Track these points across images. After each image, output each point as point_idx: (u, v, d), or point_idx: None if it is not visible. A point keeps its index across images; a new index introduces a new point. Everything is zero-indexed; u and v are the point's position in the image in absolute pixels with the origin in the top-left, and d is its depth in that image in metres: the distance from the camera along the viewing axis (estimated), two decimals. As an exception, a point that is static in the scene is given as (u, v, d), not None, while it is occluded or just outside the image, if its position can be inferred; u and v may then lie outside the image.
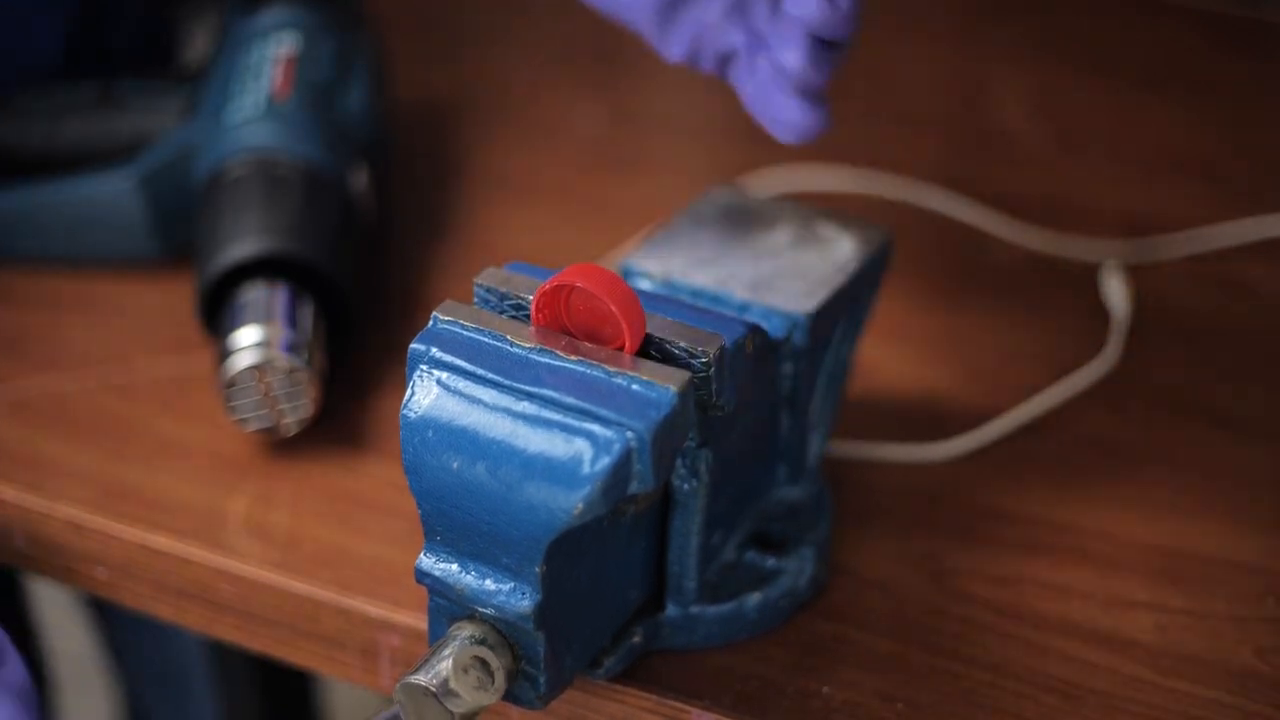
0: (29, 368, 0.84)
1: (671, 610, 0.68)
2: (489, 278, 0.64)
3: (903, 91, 1.08)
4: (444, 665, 0.60)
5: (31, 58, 0.95)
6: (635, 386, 0.60)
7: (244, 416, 0.77)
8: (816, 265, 0.72)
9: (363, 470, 0.78)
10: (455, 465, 0.60)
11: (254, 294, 0.80)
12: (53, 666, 1.24)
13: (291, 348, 0.77)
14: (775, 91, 0.71)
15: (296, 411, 0.78)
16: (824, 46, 0.71)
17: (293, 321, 0.79)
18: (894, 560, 0.74)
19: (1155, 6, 1.14)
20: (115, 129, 0.90)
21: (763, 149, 1.01)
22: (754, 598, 0.69)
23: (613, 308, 0.61)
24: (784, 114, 0.71)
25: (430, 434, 0.60)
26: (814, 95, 0.71)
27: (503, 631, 0.61)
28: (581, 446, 0.58)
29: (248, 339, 0.77)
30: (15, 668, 0.66)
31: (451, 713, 0.60)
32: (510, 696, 0.62)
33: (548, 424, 0.59)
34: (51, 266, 0.89)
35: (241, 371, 0.77)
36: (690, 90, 1.09)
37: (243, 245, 0.81)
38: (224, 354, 0.78)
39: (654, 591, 0.68)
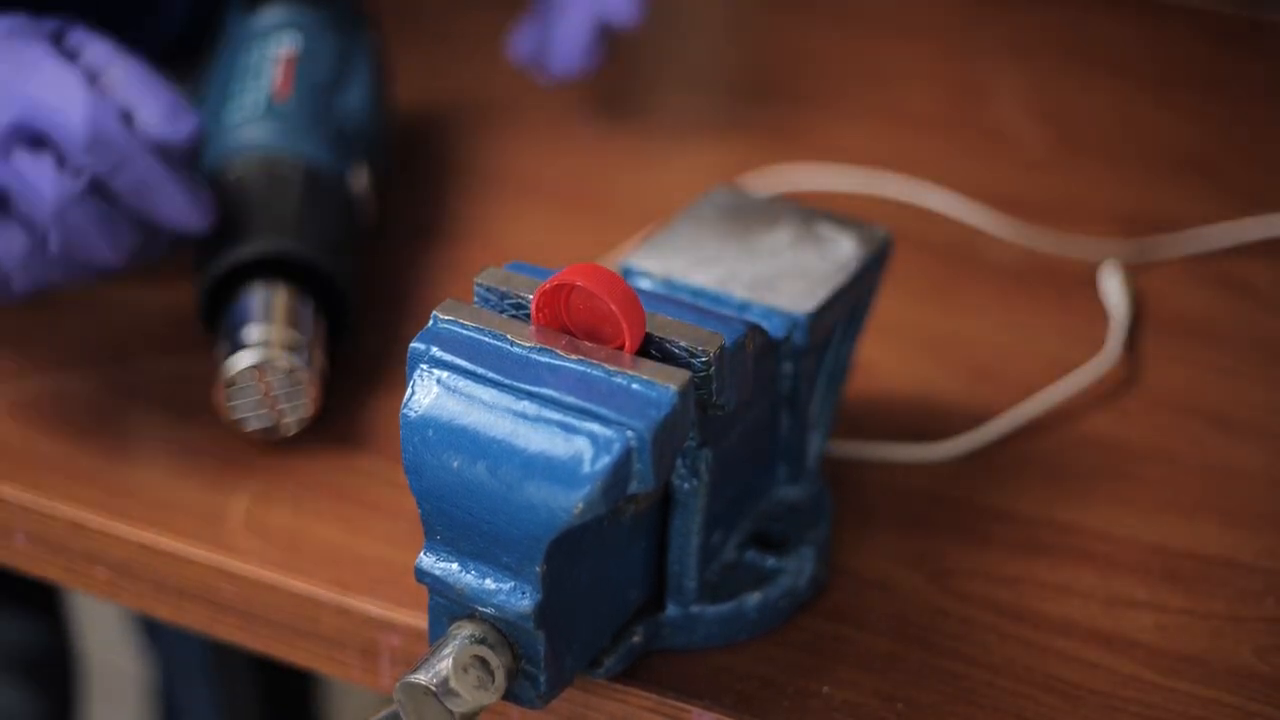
0: (29, 368, 0.84)
1: (671, 610, 0.68)
2: (489, 277, 0.64)
3: (903, 91, 1.08)
4: (444, 664, 0.60)
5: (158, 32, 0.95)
6: (635, 386, 0.60)
7: (244, 416, 0.77)
8: (816, 265, 0.72)
9: (363, 470, 0.78)
10: (455, 465, 0.60)
11: (254, 294, 0.80)
12: (89, 672, 1.24)
13: (291, 347, 0.77)
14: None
15: (296, 411, 0.78)
16: None
17: (293, 321, 0.79)
18: (894, 560, 0.74)
19: (1156, 6, 1.14)
20: None
21: (763, 149, 1.01)
22: (754, 598, 0.69)
23: (613, 307, 0.61)
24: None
25: (430, 433, 0.60)
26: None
27: (503, 631, 0.61)
28: (582, 446, 0.58)
29: (248, 339, 0.77)
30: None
31: (452, 712, 0.60)
32: (510, 696, 0.62)
33: (548, 423, 0.59)
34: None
35: (241, 371, 0.77)
36: (690, 90, 1.09)
37: (243, 245, 0.81)
38: (224, 353, 0.78)
39: (654, 591, 0.68)
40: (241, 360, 0.77)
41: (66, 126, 0.74)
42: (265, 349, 0.77)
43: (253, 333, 0.77)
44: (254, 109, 0.87)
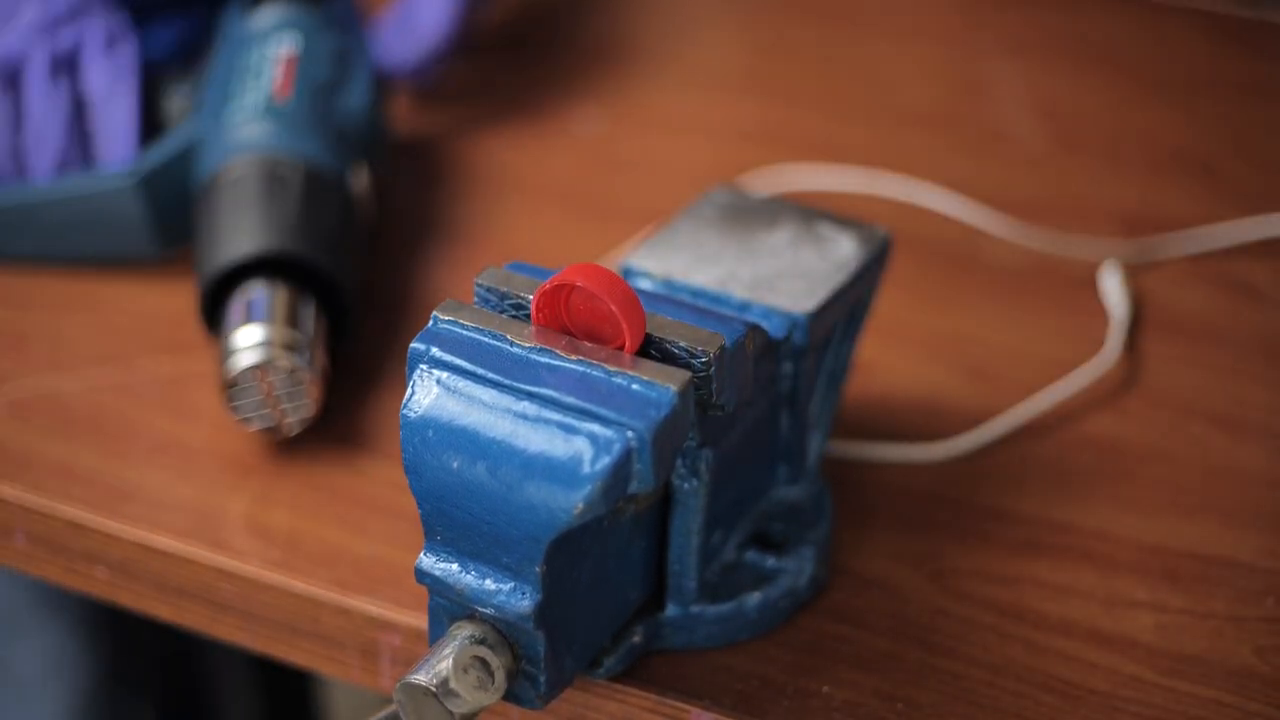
0: (29, 368, 0.84)
1: (671, 610, 0.68)
2: (489, 278, 0.64)
3: (903, 91, 1.08)
4: (444, 665, 0.60)
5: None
6: (635, 386, 0.60)
7: (246, 416, 0.77)
8: (816, 265, 0.72)
9: (363, 470, 0.78)
10: (455, 465, 0.60)
11: (255, 293, 0.80)
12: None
13: (292, 347, 0.77)
14: None
15: (298, 411, 0.78)
16: None
17: (294, 321, 0.79)
18: (894, 560, 0.74)
19: (1155, 6, 1.14)
20: None
21: (763, 149, 1.01)
22: (754, 598, 0.69)
23: (613, 307, 0.61)
24: None
25: (430, 434, 0.60)
26: None
27: (503, 631, 0.61)
28: (581, 446, 0.58)
29: (249, 339, 0.77)
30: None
31: (452, 713, 0.60)
32: (510, 696, 0.62)
33: (548, 424, 0.59)
34: (51, 266, 0.89)
35: (243, 371, 0.77)
36: (690, 90, 1.09)
37: (243, 244, 0.81)
38: (225, 353, 0.78)
39: (654, 591, 0.68)
40: (243, 360, 0.77)
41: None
42: (266, 349, 0.77)
43: (254, 333, 0.77)
44: (254, 109, 0.87)
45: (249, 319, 0.78)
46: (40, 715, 1.09)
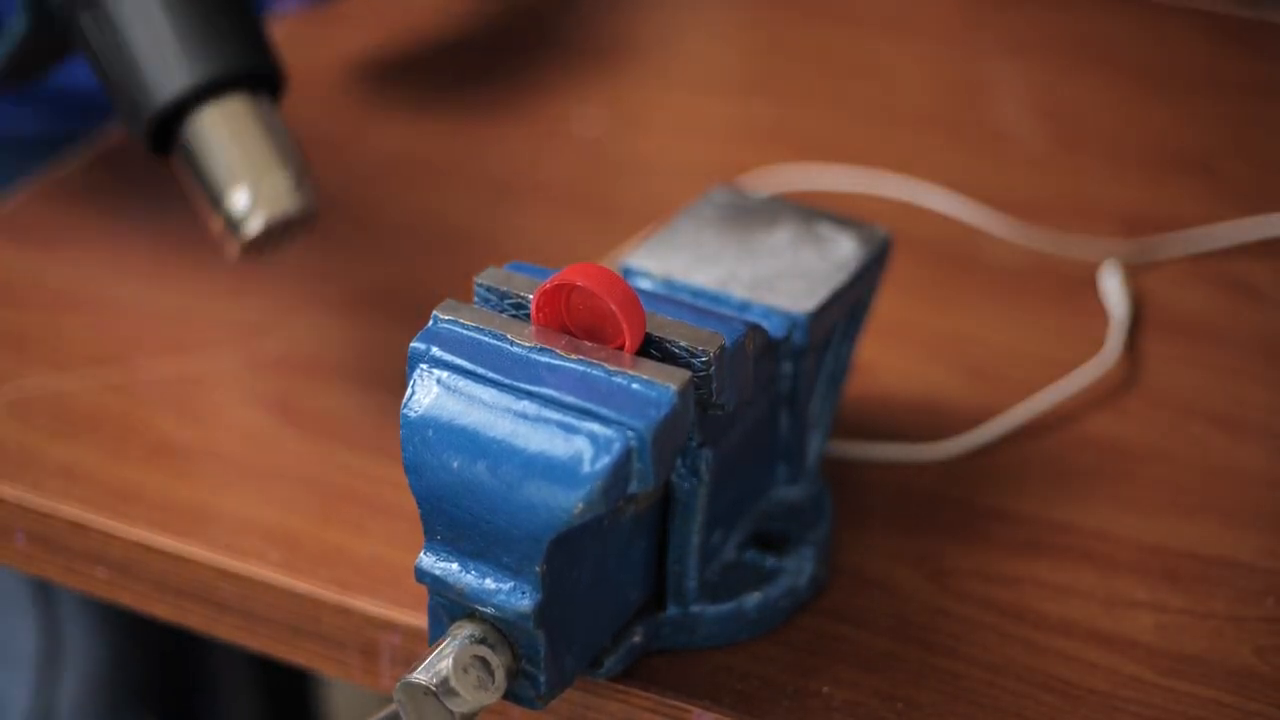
0: (29, 368, 0.84)
1: (671, 610, 0.68)
2: (489, 277, 0.64)
3: (903, 91, 1.08)
4: (444, 664, 0.60)
5: None
6: (635, 386, 0.60)
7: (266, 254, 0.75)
8: (816, 265, 0.72)
9: (363, 470, 0.78)
10: (455, 464, 0.60)
11: (219, 131, 0.75)
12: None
13: (285, 190, 0.75)
14: None
15: (306, 220, 0.75)
16: None
17: (267, 139, 0.75)
18: (894, 560, 0.74)
19: (1155, 6, 1.14)
20: None
21: (763, 149, 1.01)
22: (754, 598, 0.69)
23: (613, 307, 0.61)
24: None
25: (430, 433, 0.60)
26: None
27: (503, 630, 0.61)
28: (581, 446, 0.58)
29: (243, 201, 0.74)
30: None
31: (452, 712, 0.60)
32: (510, 696, 0.62)
33: (548, 423, 0.59)
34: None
35: (255, 239, 0.74)
36: (690, 90, 1.09)
37: (180, 75, 0.75)
38: (229, 219, 0.75)
39: (654, 591, 0.68)
40: (252, 227, 0.74)
41: None
42: (266, 205, 0.74)
43: (241, 195, 0.74)
44: None
45: (236, 174, 0.74)
46: (38, 699, 1.09)
